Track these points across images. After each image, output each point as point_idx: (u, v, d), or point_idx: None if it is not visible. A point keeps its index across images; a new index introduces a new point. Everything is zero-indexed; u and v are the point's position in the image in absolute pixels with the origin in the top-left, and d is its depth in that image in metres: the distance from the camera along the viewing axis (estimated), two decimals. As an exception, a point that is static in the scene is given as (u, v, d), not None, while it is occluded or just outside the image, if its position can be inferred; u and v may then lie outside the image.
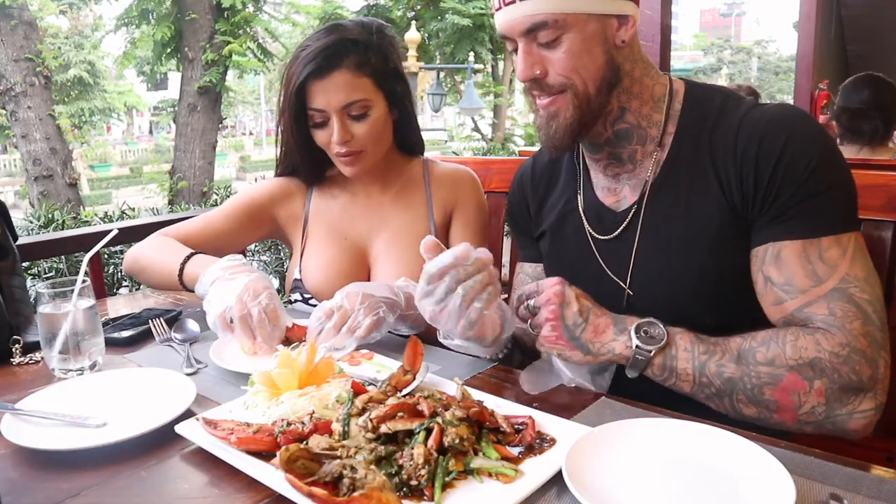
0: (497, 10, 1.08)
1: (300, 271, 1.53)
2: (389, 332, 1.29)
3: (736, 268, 1.06)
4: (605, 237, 1.18)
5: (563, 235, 1.26)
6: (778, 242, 1.01)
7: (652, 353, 0.99)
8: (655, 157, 1.12)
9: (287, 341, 1.20)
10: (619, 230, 1.16)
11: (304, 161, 1.51)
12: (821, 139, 1.03)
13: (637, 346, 0.99)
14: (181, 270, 1.35)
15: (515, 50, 1.09)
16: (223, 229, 1.52)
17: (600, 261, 1.18)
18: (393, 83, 1.43)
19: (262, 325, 1.17)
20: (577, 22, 1.03)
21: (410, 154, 1.59)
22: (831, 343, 0.94)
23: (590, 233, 1.20)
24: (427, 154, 1.64)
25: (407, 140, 1.56)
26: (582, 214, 1.22)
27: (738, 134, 1.04)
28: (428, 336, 1.18)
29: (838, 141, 2.81)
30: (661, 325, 0.99)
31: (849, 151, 2.74)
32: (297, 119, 1.40)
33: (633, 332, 1.00)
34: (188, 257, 1.36)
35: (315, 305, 1.47)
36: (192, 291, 1.33)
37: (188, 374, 1.12)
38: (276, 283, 4.34)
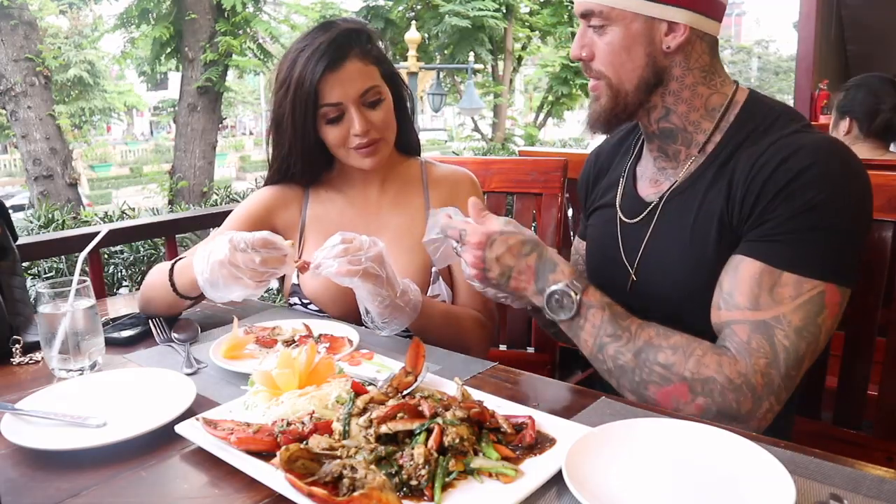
0: None
1: (297, 276, 1.52)
2: (378, 330, 1.29)
3: None
4: (631, 220, 1.21)
5: (601, 215, 1.30)
6: (741, 256, 1.02)
7: (558, 320, 1.06)
8: (694, 159, 1.13)
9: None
10: (641, 216, 1.19)
11: (305, 163, 1.48)
12: (840, 181, 0.99)
13: (544, 309, 1.06)
14: (171, 274, 1.31)
15: None
16: None
17: (620, 244, 1.21)
18: (391, 71, 1.47)
19: (256, 245, 1.15)
20: (622, 18, 1.07)
21: (408, 154, 1.59)
22: (731, 369, 0.97)
23: (619, 217, 1.24)
24: (427, 154, 1.64)
25: (406, 139, 1.55)
26: (619, 197, 1.26)
27: (765, 153, 1.03)
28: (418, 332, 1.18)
29: (854, 140, 2.62)
30: (577, 297, 1.03)
31: (864, 150, 2.56)
32: (306, 120, 1.39)
33: (544, 301, 1.06)
34: (174, 264, 1.33)
35: (313, 310, 1.48)
36: (188, 298, 1.32)
37: (188, 374, 1.12)
38: (275, 285, 4.33)
